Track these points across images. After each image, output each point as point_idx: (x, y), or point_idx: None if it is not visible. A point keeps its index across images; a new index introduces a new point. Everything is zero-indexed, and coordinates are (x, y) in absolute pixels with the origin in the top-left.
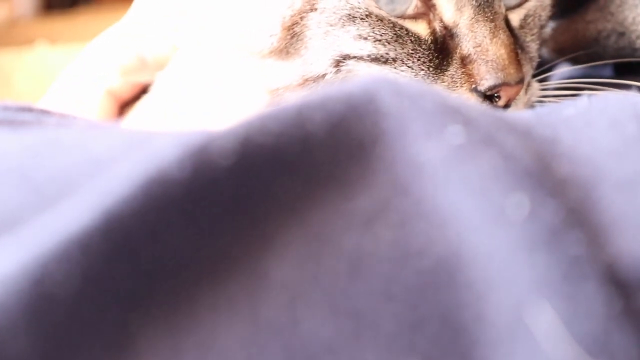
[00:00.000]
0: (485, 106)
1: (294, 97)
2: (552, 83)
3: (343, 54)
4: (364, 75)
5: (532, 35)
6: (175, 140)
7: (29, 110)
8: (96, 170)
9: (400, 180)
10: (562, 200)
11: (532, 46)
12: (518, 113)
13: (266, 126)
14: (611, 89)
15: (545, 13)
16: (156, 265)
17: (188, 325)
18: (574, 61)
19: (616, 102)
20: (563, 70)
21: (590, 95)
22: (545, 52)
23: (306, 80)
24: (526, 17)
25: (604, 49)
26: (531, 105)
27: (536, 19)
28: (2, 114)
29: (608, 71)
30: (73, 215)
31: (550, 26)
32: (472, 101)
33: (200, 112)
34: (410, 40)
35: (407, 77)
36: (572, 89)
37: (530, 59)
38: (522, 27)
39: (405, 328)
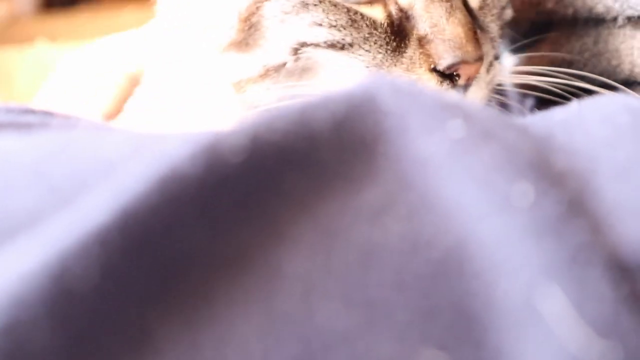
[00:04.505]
0: (482, 105)
1: (297, 100)
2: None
3: (300, 41)
4: (363, 76)
5: (492, 15)
6: (185, 139)
7: (31, 112)
8: (109, 169)
9: (405, 175)
10: (564, 190)
11: (493, 26)
12: (511, 117)
13: (273, 124)
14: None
15: None
16: (173, 261)
17: (205, 320)
18: None
19: (607, 100)
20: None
21: (580, 100)
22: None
23: (267, 70)
24: None
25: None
26: (495, 87)
27: (496, 0)
28: (6, 117)
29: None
30: (90, 212)
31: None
32: (431, 84)
33: (177, 107)
34: (366, 24)
35: (402, 75)
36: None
37: (491, 39)
38: (481, 7)
39: (418, 317)
